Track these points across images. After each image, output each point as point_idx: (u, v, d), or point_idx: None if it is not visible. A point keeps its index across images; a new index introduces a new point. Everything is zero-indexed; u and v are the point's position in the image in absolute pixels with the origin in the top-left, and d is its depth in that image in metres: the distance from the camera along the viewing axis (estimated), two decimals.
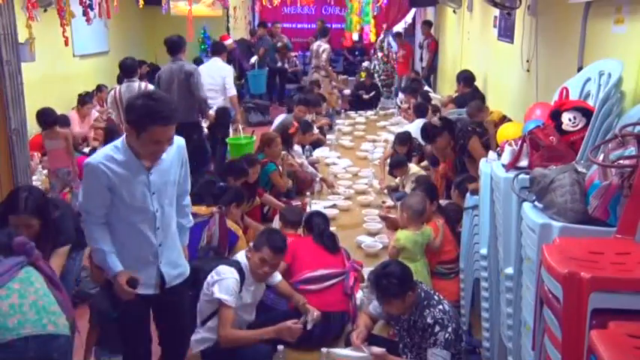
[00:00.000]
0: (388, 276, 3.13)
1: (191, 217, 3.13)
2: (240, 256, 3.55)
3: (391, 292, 3.11)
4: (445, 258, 4.20)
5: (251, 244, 3.61)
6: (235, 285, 3.34)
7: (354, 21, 11.19)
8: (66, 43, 7.25)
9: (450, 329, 3.07)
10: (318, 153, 8.19)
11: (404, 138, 6.72)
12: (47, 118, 6.19)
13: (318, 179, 6.77)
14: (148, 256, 2.83)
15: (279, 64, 12.80)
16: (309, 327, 3.54)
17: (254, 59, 11.67)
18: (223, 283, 3.31)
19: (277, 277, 3.72)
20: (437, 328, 3.06)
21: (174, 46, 6.30)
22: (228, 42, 9.28)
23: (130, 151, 2.64)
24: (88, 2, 7.78)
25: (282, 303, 3.82)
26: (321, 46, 10.95)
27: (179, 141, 2.81)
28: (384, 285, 3.12)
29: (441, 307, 3.14)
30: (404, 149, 6.66)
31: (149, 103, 2.53)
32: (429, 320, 3.09)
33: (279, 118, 7.86)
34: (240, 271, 3.42)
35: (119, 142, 2.68)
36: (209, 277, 3.38)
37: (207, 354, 3.43)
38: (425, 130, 5.33)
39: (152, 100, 2.56)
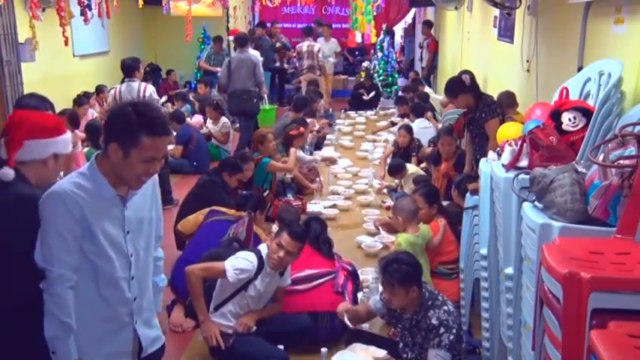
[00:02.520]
0: (399, 261, 3.15)
1: (163, 275, 2.51)
2: (262, 247, 3.66)
3: (397, 278, 3.10)
4: (447, 258, 4.20)
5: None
6: (246, 267, 3.43)
7: (360, 20, 11.11)
8: (66, 43, 7.26)
9: (454, 331, 3.08)
10: (323, 153, 8.26)
11: (409, 127, 7.06)
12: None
13: (318, 179, 6.78)
14: (123, 316, 2.21)
15: (278, 64, 12.79)
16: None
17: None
18: (235, 260, 3.46)
19: (287, 280, 3.75)
20: (442, 330, 3.06)
21: (242, 42, 8.19)
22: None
23: (103, 178, 2.09)
24: (86, 2, 7.79)
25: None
26: (314, 45, 10.85)
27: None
28: (393, 268, 3.12)
29: (445, 307, 3.14)
30: (406, 139, 6.86)
31: (140, 110, 2.04)
32: (434, 321, 3.08)
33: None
34: (260, 259, 3.51)
35: (85, 168, 2.12)
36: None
37: (214, 346, 3.45)
38: (451, 84, 4.98)
39: (142, 106, 2.08)
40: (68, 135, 2.37)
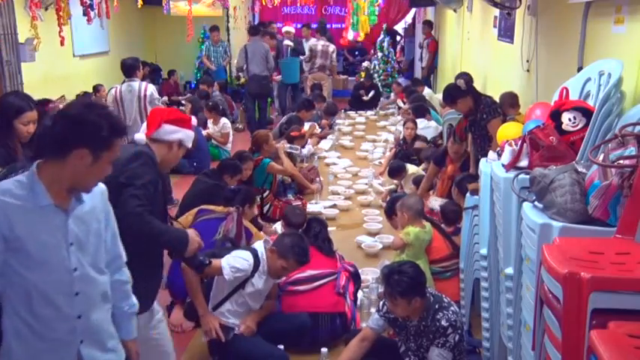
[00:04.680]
0: (402, 273, 3.10)
1: (134, 299, 2.36)
2: (258, 245, 3.63)
3: (399, 290, 3.07)
4: (436, 256, 4.18)
5: (267, 237, 3.76)
6: (242, 266, 3.41)
7: (362, 21, 11.08)
8: (62, 43, 7.27)
9: (460, 331, 3.10)
10: (322, 145, 8.40)
11: (415, 120, 7.40)
12: None
13: (318, 179, 6.78)
14: (61, 334, 2.04)
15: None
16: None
17: (287, 42, 10.53)
18: (232, 258, 3.42)
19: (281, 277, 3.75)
20: (449, 330, 3.07)
21: (254, 30, 9.90)
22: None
23: (43, 186, 1.95)
24: (88, 2, 7.80)
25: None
26: (329, 46, 10.79)
27: (100, 186, 2.15)
28: (395, 280, 3.08)
29: (453, 308, 3.16)
30: (413, 132, 7.12)
31: (109, 113, 2.05)
32: (444, 323, 3.08)
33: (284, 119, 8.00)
34: (256, 257, 3.49)
35: (23, 175, 1.98)
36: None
37: (214, 346, 3.46)
38: (448, 90, 5.04)
39: (102, 109, 2.07)
40: (192, 133, 2.87)
